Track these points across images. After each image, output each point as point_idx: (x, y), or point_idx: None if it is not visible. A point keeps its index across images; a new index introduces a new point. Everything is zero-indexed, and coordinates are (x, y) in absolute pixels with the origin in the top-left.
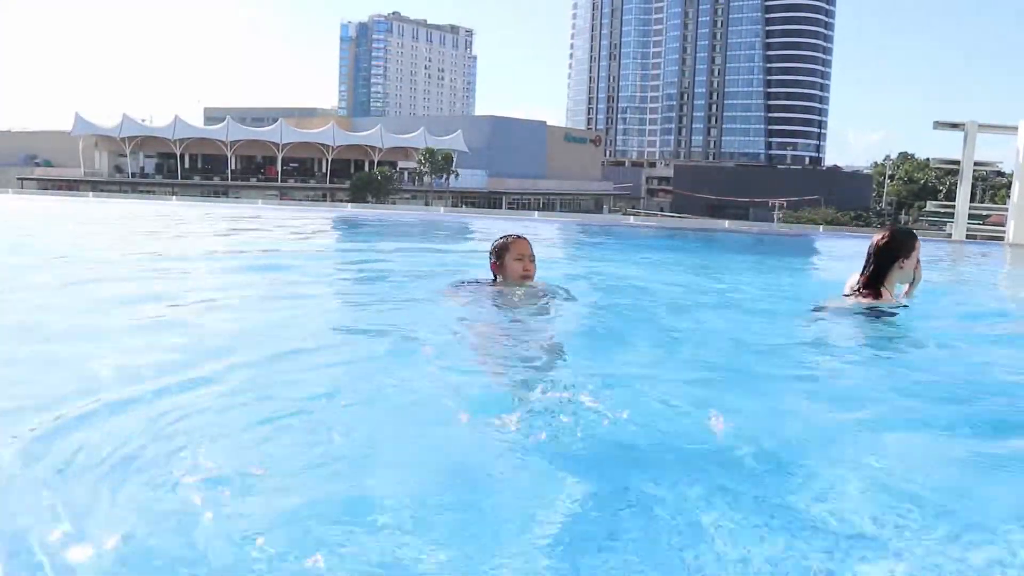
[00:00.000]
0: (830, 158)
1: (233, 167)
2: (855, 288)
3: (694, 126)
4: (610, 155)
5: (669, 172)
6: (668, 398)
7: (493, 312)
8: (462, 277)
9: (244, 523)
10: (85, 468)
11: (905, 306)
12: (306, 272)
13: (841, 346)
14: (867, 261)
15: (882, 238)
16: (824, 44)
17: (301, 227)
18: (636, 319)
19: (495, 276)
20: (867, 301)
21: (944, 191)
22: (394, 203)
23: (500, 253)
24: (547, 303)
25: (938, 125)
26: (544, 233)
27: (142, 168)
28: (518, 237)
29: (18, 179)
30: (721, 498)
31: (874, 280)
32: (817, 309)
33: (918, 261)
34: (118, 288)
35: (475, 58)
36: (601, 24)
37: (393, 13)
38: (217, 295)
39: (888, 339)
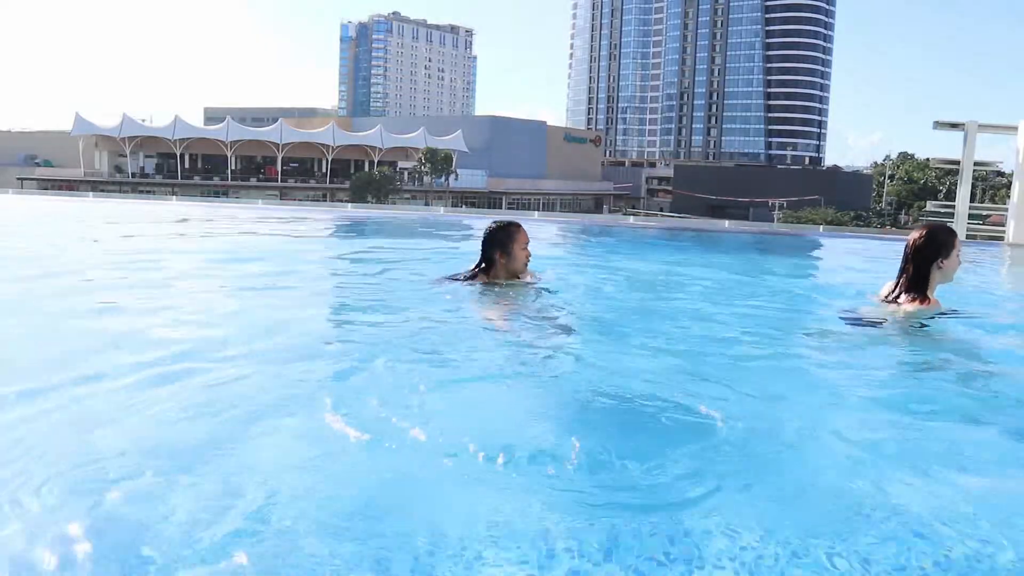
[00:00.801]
0: (830, 158)
1: (233, 167)
2: (894, 293)
3: (694, 126)
4: (610, 155)
5: (669, 172)
6: (687, 412)
7: (501, 301)
8: (447, 270)
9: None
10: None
11: (950, 311)
12: (302, 266)
13: (896, 361)
14: (904, 263)
15: (919, 237)
16: (824, 44)
17: (300, 225)
18: (649, 325)
19: (491, 263)
20: (913, 307)
21: (944, 191)
22: (394, 203)
23: (506, 242)
24: (546, 294)
25: (938, 125)
26: (544, 233)
27: (142, 168)
28: (519, 225)
29: (18, 179)
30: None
31: (916, 283)
32: (851, 318)
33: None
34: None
35: (475, 58)
36: (601, 24)
37: (393, 13)
38: (212, 288)
39: (942, 352)
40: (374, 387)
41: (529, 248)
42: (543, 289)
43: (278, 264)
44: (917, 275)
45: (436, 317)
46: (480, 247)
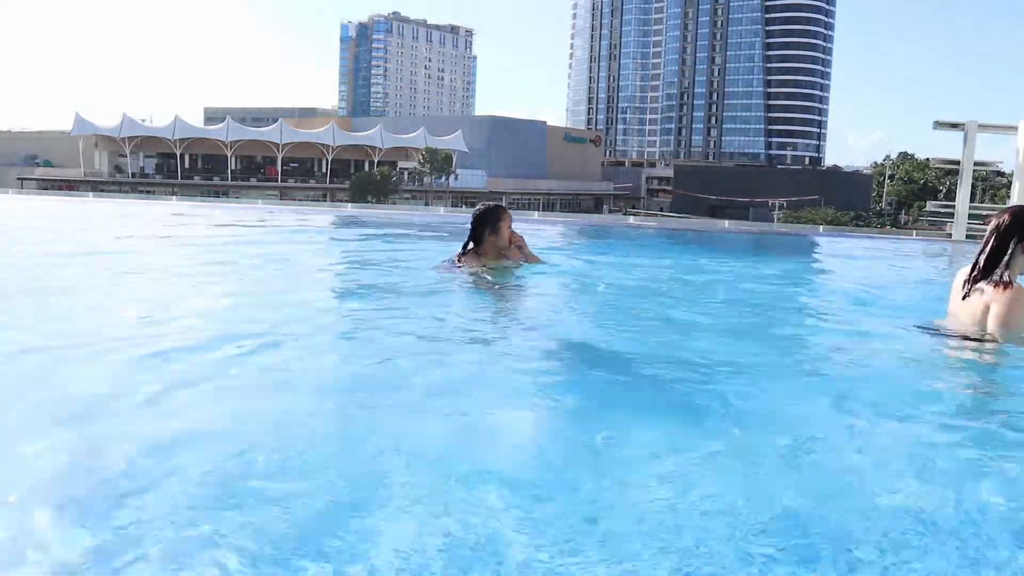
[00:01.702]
0: (830, 158)
1: (233, 167)
2: (971, 275)
3: (694, 126)
4: (610, 155)
5: (669, 172)
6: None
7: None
8: (445, 257)
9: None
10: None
11: None
12: (306, 259)
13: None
14: (983, 245)
15: (1006, 217)
16: (824, 44)
17: (302, 222)
18: (708, 328)
19: (480, 240)
20: (998, 296)
21: (944, 191)
22: (394, 203)
23: (494, 221)
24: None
25: (938, 125)
26: (546, 233)
27: (142, 168)
28: (504, 207)
29: (18, 179)
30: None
31: (994, 261)
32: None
33: None
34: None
35: (475, 58)
36: (601, 24)
37: (393, 13)
38: (222, 283)
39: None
40: (383, 364)
41: (514, 227)
42: (533, 271)
43: (282, 255)
44: (996, 252)
45: (436, 300)
46: (470, 227)
